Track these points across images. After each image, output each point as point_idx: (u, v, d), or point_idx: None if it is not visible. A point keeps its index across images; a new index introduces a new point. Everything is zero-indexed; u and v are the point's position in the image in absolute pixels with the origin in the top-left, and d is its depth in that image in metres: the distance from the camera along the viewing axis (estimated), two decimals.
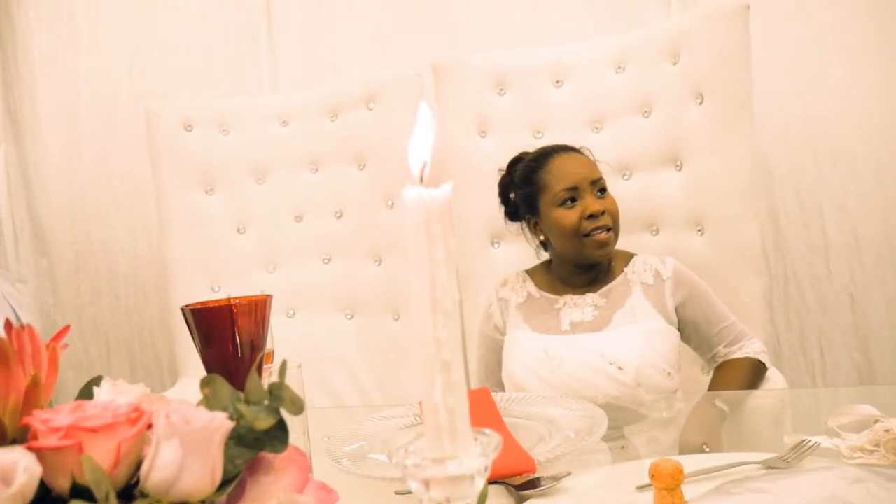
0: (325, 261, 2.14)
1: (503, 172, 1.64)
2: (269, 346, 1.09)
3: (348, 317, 2.10)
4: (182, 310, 0.76)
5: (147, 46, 2.42)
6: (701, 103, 1.75)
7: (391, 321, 2.04)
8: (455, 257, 0.36)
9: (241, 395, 0.42)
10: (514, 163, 1.62)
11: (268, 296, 0.79)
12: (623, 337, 1.41)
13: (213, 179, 2.15)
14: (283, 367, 0.42)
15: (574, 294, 1.52)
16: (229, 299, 0.79)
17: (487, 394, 1.06)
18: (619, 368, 1.37)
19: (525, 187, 1.54)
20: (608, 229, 1.47)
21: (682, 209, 1.79)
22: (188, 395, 0.45)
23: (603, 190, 1.51)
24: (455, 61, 1.97)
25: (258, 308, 0.77)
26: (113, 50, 2.45)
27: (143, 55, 2.43)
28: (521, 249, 1.79)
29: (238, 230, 2.16)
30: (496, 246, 1.93)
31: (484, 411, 0.99)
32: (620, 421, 1.21)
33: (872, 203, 1.96)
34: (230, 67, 2.37)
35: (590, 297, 1.50)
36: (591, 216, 1.46)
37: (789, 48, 1.99)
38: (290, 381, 0.94)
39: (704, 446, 1.04)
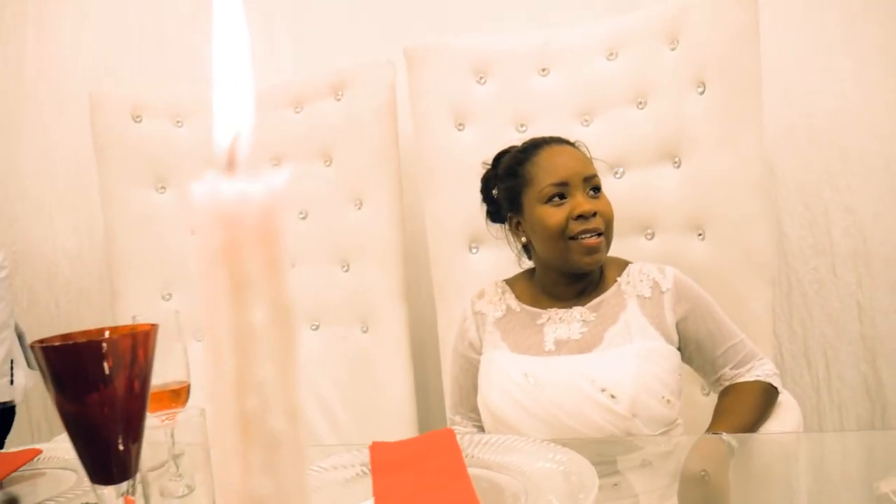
0: (289, 266, 1.96)
1: (487, 167, 1.46)
2: (184, 377, 0.90)
3: (313, 328, 1.93)
4: (31, 347, 0.57)
5: (95, 28, 2.24)
6: (703, 93, 1.59)
7: (359, 332, 1.87)
8: (292, 320, 0.17)
9: None
10: (501, 156, 1.44)
11: (153, 325, 0.60)
12: (616, 359, 1.21)
13: (164, 176, 1.97)
14: None
15: (559, 308, 1.33)
16: (100, 331, 0.60)
17: (452, 437, 0.88)
18: (612, 396, 1.17)
19: (508, 180, 1.36)
20: (599, 234, 1.27)
21: (681, 211, 1.63)
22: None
23: (597, 189, 1.32)
24: (430, 46, 1.80)
25: (139, 343, 0.58)
26: (60, 31, 2.26)
27: (91, 37, 2.24)
28: (504, 254, 1.61)
29: (192, 232, 1.97)
30: (474, 251, 1.75)
31: (446, 460, 0.80)
32: (612, 453, 1.07)
33: (882, 205, 1.83)
34: (184, 53, 2.19)
35: (577, 311, 1.31)
36: (581, 217, 1.27)
37: (795, 39, 1.85)
38: (195, 429, 0.75)
39: (703, 473, 0.94)
